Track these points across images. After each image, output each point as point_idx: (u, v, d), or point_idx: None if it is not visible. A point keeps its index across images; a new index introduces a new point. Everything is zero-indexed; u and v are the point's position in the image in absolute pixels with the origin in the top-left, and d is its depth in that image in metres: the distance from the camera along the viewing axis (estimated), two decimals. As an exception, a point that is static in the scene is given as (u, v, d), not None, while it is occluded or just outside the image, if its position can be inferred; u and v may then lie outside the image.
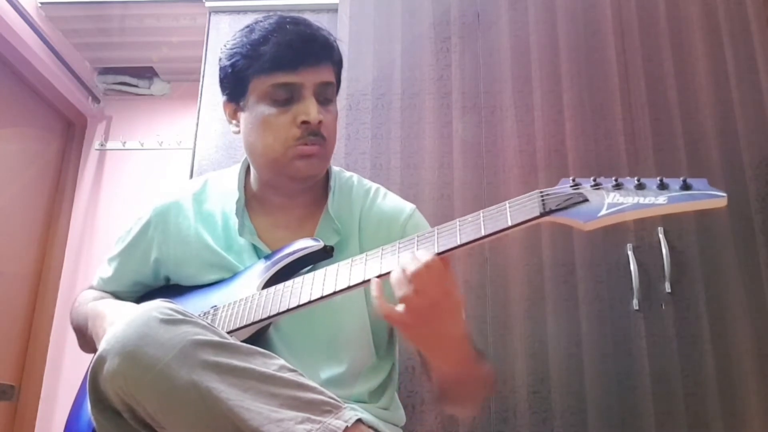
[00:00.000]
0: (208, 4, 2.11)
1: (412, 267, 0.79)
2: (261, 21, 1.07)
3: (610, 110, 1.76)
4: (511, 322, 1.61)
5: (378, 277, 0.85)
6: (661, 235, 1.62)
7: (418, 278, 0.78)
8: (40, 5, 2.48)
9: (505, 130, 1.77)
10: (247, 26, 1.08)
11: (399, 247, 0.87)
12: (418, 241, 0.86)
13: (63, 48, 2.63)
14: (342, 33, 1.89)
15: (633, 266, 1.59)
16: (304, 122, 1.01)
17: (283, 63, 1.01)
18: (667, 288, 1.59)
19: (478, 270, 1.66)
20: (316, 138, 1.03)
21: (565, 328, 1.60)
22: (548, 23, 1.86)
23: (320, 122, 1.02)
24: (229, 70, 1.06)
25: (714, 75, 1.77)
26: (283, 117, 1.02)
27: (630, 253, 1.61)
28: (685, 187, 0.74)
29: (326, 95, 1.05)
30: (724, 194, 0.72)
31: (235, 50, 1.06)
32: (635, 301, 1.59)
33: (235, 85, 1.07)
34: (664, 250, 1.59)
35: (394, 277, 0.81)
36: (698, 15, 1.82)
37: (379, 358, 1.10)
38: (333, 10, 2.00)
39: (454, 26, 1.89)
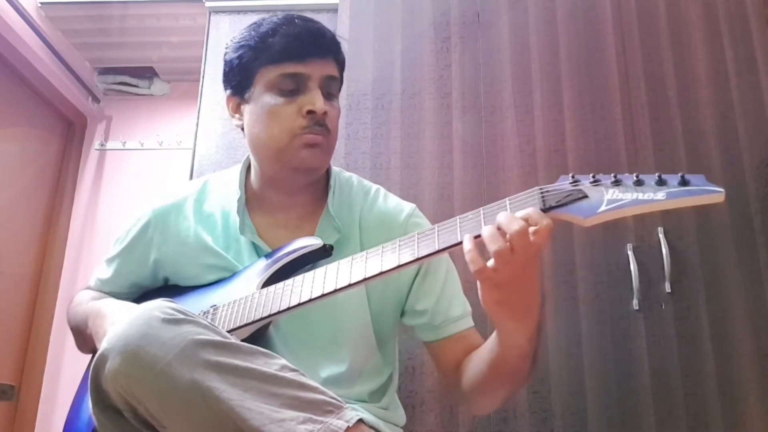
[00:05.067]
0: (208, 4, 2.11)
1: (514, 225, 0.75)
2: (268, 17, 1.09)
3: (610, 110, 1.76)
4: (512, 322, 1.61)
5: (377, 276, 0.86)
6: (661, 235, 1.62)
7: (518, 236, 0.74)
8: (40, 5, 2.48)
9: (505, 130, 1.77)
10: (255, 22, 1.10)
11: (399, 245, 0.87)
12: (418, 239, 0.86)
13: (63, 48, 2.63)
14: (342, 33, 1.89)
15: (633, 266, 1.59)
16: (310, 112, 1.03)
17: (292, 53, 1.03)
18: (667, 288, 1.59)
19: (478, 270, 1.65)
20: (321, 128, 1.04)
21: (565, 328, 1.60)
22: (548, 23, 1.86)
23: (325, 113, 1.04)
24: (236, 62, 1.08)
25: (714, 75, 1.77)
26: (289, 107, 1.04)
27: (630, 253, 1.61)
28: (683, 182, 0.74)
29: (331, 90, 1.07)
30: (722, 190, 0.73)
31: (242, 43, 1.08)
32: (635, 301, 1.59)
33: (241, 76, 1.08)
34: (664, 250, 1.60)
35: (486, 232, 0.76)
36: (698, 15, 1.82)
37: (382, 355, 1.10)
38: (333, 10, 2.00)
39: (454, 26, 1.89)
